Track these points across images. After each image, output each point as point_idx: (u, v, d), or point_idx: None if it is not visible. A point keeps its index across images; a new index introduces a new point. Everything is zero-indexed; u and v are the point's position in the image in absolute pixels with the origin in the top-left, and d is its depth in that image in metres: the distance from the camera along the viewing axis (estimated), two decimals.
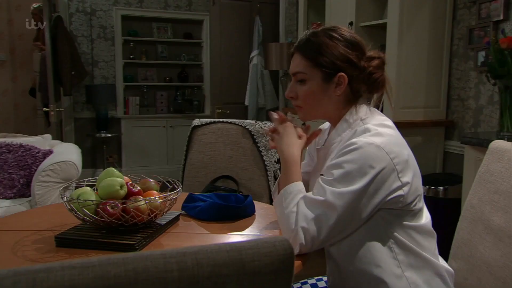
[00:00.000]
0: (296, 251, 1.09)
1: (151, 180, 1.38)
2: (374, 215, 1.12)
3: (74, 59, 4.82)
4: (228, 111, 4.61)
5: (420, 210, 1.18)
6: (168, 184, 1.42)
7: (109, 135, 5.15)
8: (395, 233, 1.14)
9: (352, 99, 1.22)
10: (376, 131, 1.12)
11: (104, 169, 5.20)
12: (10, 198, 2.96)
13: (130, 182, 1.28)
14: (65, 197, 1.17)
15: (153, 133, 5.51)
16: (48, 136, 3.48)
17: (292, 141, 1.25)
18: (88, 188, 1.24)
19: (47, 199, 2.78)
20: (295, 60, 1.23)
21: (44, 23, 4.38)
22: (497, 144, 1.44)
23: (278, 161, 2.10)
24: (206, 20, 5.42)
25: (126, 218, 1.15)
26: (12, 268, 0.49)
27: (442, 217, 2.58)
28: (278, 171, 2.09)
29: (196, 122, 2.18)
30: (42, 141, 3.36)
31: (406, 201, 1.11)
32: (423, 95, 2.96)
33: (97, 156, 5.40)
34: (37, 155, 3.13)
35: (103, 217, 1.13)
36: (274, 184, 2.07)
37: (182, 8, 5.60)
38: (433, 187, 2.67)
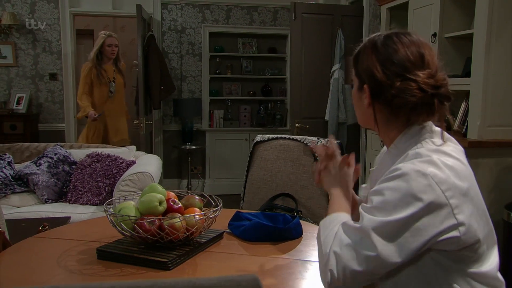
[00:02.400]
0: (326, 284, 1.00)
1: (197, 197, 1.39)
2: (424, 256, 0.98)
3: (164, 75, 5.12)
4: (307, 126, 4.56)
5: (484, 254, 1.01)
6: (213, 202, 1.42)
7: (194, 147, 5.36)
8: (449, 279, 0.99)
9: (395, 120, 1.08)
10: (428, 158, 0.98)
11: (189, 180, 5.45)
12: (96, 204, 3.20)
13: (172, 199, 1.30)
14: (108, 211, 1.23)
15: (235, 146, 5.63)
16: (133, 147, 3.71)
17: (338, 178, 1.19)
18: (132, 202, 1.28)
19: None
20: None
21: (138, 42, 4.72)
22: None
23: None
24: (290, 34, 5.44)
25: (161, 235, 1.17)
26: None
27: None
28: None
29: (258, 138, 2.18)
30: (127, 152, 3.60)
31: (464, 244, 0.96)
32: None
33: (183, 167, 5.64)
34: (121, 165, 3.36)
35: (139, 233, 1.16)
36: None
37: (267, 23, 5.69)
38: None
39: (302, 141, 2.06)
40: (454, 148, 1.05)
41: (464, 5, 2.91)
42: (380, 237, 0.94)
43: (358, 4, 4.86)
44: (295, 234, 1.42)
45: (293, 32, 4.49)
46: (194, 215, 1.23)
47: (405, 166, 0.97)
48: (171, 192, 1.38)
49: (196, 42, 5.57)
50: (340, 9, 4.76)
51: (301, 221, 1.60)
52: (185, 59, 5.57)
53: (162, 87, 5.09)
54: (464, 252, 0.97)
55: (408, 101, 1.02)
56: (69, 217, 2.70)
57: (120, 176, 3.19)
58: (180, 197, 1.43)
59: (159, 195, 1.25)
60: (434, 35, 3.02)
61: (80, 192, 3.25)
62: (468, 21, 2.94)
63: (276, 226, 1.40)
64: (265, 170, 2.11)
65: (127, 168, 3.32)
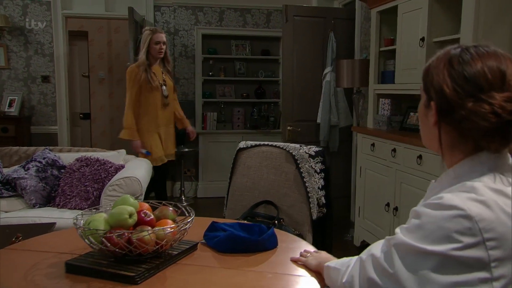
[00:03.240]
0: None
1: (171, 208, 1.39)
2: None
3: None
4: (299, 129, 4.56)
5: None
6: (186, 213, 1.42)
7: (187, 149, 5.35)
8: None
9: (462, 145, 0.93)
10: (479, 196, 0.85)
11: (182, 183, 5.44)
12: (85, 209, 3.20)
13: (144, 210, 1.30)
14: (77, 223, 1.22)
15: (229, 149, 5.61)
16: (123, 151, 3.71)
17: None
18: (104, 214, 1.28)
19: None
20: None
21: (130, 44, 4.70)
22: None
23: (322, 188, 2.01)
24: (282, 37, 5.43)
25: (130, 249, 1.16)
26: None
27: None
28: (323, 198, 2.00)
29: (241, 144, 2.17)
30: (117, 156, 3.59)
31: None
32: None
33: (176, 169, 5.63)
34: (110, 169, 3.35)
35: (107, 246, 1.16)
36: (316, 212, 1.98)
37: (260, 25, 5.69)
38: None
39: (284, 148, 2.06)
40: None
41: (452, 10, 2.91)
42: (400, 258, 0.87)
43: (350, 6, 4.85)
44: (270, 246, 1.42)
45: (285, 35, 4.49)
46: (164, 228, 1.22)
47: (447, 196, 0.86)
48: (144, 203, 1.37)
49: (189, 44, 5.56)
50: (332, 12, 4.76)
51: (279, 231, 1.60)
52: (178, 61, 5.56)
53: None
54: None
55: (479, 126, 0.87)
56: (54, 223, 2.69)
57: (109, 181, 3.18)
58: (155, 208, 1.42)
59: (130, 207, 1.24)
60: (423, 39, 3.01)
61: (69, 197, 3.24)
62: (456, 26, 2.93)
63: (250, 238, 1.40)
64: (248, 177, 2.11)
65: (116, 172, 3.31)
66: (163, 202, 1.44)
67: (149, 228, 1.22)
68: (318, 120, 4.58)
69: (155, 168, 3.76)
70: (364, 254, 0.97)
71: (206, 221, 1.58)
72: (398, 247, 0.88)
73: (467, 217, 0.82)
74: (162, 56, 3.79)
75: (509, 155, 0.93)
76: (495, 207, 0.83)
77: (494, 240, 0.81)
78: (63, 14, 5.14)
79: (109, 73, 7.19)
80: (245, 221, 1.93)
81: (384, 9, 3.58)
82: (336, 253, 1.36)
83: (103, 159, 3.43)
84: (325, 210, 1.99)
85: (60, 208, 3.19)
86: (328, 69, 4.52)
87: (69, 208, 3.19)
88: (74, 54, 7.15)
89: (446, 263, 0.82)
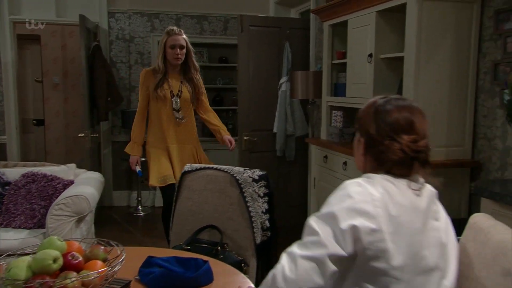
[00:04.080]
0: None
1: (102, 247, 1.35)
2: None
3: (111, 86, 5.00)
4: (256, 139, 4.57)
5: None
6: (119, 251, 1.38)
7: (143, 159, 5.25)
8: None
9: (379, 170, 1.23)
10: (371, 179, 1.19)
11: (138, 192, 5.34)
12: (30, 228, 3.09)
13: (71, 253, 1.26)
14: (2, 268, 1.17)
15: None
16: (73, 165, 3.60)
17: None
18: (27, 258, 1.23)
19: (59, 232, 2.86)
20: None
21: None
22: (476, 219, 1.28)
23: (266, 212, 2.01)
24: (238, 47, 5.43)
25: None
26: None
27: None
28: (266, 221, 2.00)
29: (187, 167, 2.15)
30: (66, 171, 3.49)
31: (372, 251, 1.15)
32: (445, 133, 2.74)
33: (133, 179, 5.54)
34: (58, 186, 3.25)
35: None
36: (260, 236, 1.99)
37: (217, 33, 5.66)
38: None
39: (228, 172, 2.05)
40: (379, 187, 1.16)
41: (398, 28, 2.97)
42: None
43: (307, 15, 4.89)
44: (205, 281, 1.41)
45: (240, 45, 4.48)
46: (89, 274, 1.19)
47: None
48: (74, 243, 1.33)
49: (145, 52, 5.47)
50: (287, 22, 4.79)
51: (217, 261, 1.59)
52: (134, 69, 5.46)
53: (109, 98, 4.98)
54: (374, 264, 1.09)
55: (391, 158, 1.19)
56: None
57: (57, 198, 3.09)
58: (88, 245, 1.38)
59: (55, 251, 1.20)
60: (370, 55, 3.07)
61: (13, 215, 3.13)
62: (402, 43, 3.01)
63: (185, 275, 1.38)
64: (193, 201, 2.09)
65: (64, 189, 3.22)
66: (95, 240, 1.40)
67: (74, 273, 1.18)
68: (275, 130, 4.60)
69: (161, 190, 3.32)
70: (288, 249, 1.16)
71: (143, 253, 1.56)
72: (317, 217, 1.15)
73: (359, 184, 1.17)
74: (179, 62, 3.22)
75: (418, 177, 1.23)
76: (379, 185, 1.16)
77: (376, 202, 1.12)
78: (11, 19, 4.95)
79: (64, 78, 6.98)
80: (188, 247, 1.92)
81: (336, 23, 3.63)
82: None
83: (51, 175, 3.32)
84: (269, 233, 2.00)
85: (4, 227, 3.07)
86: (283, 79, 4.54)
87: (13, 227, 3.08)
88: (26, 58, 6.91)
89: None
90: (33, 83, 6.95)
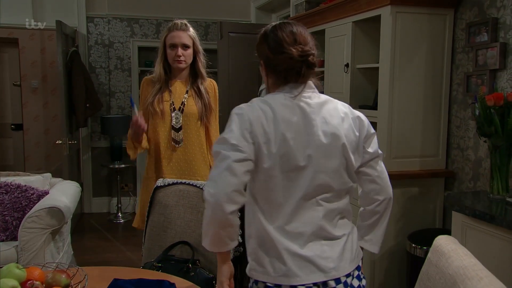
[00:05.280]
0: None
1: (64, 274, 1.33)
2: None
3: (89, 92, 4.94)
4: None
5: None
6: (81, 276, 1.36)
7: (123, 165, 5.21)
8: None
9: (279, 81, 1.42)
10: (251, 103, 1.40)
11: (118, 198, 5.29)
12: (3, 240, 3.03)
13: (31, 281, 1.23)
14: None
15: None
16: (48, 175, 3.54)
17: None
18: None
19: (32, 245, 2.81)
20: None
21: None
22: (440, 242, 1.29)
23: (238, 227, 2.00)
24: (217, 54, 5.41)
25: None
26: None
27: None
28: (239, 237, 1.99)
29: (159, 182, 2.13)
30: (41, 181, 3.42)
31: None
32: (419, 143, 2.77)
33: (113, 185, 5.48)
34: (32, 197, 3.19)
35: None
36: (232, 252, 1.97)
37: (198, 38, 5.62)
38: (416, 246, 2.47)
39: (201, 187, 2.04)
40: (268, 100, 1.37)
41: (374, 38, 2.99)
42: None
43: None
44: None
45: (220, 51, 4.47)
46: None
47: None
48: (36, 268, 1.31)
49: (125, 57, 5.42)
50: None
51: (186, 282, 1.58)
52: (114, 74, 5.41)
53: (88, 105, 4.91)
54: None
55: (283, 68, 1.37)
56: None
57: (30, 209, 3.03)
58: (54, 269, 1.36)
59: (12, 281, 1.18)
60: (347, 65, 3.09)
61: None
62: (377, 54, 3.03)
63: None
64: (165, 216, 2.07)
65: (39, 200, 3.16)
66: (58, 264, 1.38)
67: None
68: None
69: None
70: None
71: (110, 274, 1.54)
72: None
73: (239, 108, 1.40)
74: (181, 66, 2.44)
75: (311, 83, 1.43)
76: (256, 105, 1.36)
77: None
78: None
79: (43, 82, 6.87)
80: (159, 264, 1.90)
81: (314, 31, 3.63)
82: None
83: (25, 185, 3.26)
84: (241, 249, 1.99)
85: None
86: (263, 86, 4.53)
87: None
88: (3, 62, 6.80)
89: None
90: (11, 87, 6.83)
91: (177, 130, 2.44)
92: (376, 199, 1.46)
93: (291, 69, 1.36)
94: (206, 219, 1.30)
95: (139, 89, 2.62)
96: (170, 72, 2.51)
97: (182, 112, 2.45)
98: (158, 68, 2.49)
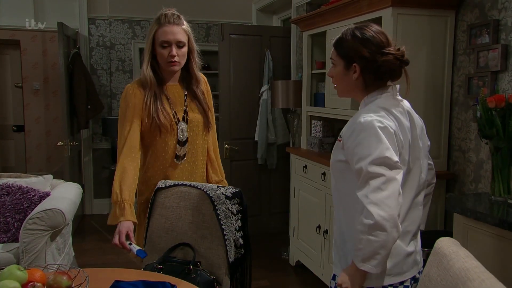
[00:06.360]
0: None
1: (65, 275, 1.33)
2: None
3: (91, 94, 4.94)
4: (237, 147, 4.56)
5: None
6: (83, 277, 1.36)
7: None
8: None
9: (378, 83, 1.50)
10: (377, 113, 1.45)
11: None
12: (4, 242, 3.03)
13: (32, 283, 1.23)
14: None
15: None
16: (50, 176, 3.54)
17: None
18: None
19: (34, 247, 2.81)
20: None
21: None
22: (441, 244, 1.29)
23: (239, 229, 2.00)
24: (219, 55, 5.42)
25: None
26: None
27: None
28: (240, 239, 1.99)
29: (160, 184, 2.13)
30: (43, 182, 3.42)
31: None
32: None
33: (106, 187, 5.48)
34: (33, 198, 3.20)
35: None
36: (233, 254, 1.97)
37: (199, 40, 5.63)
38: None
39: (202, 189, 2.03)
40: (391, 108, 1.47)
41: None
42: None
43: (288, 24, 4.90)
44: None
45: (221, 53, 4.47)
46: None
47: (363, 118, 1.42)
48: (37, 270, 1.31)
49: (126, 59, 5.43)
50: (268, 30, 4.79)
51: (187, 283, 1.58)
52: (115, 76, 5.42)
53: (89, 106, 4.92)
54: None
55: (388, 69, 1.46)
56: None
57: (32, 210, 3.04)
58: (56, 271, 1.36)
59: (13, 283, 1.18)
60: None
61: None
62: None
63: None
64: (166, 218, 2.07)
65: (40, 201, 3.16)
66: (59, 265, 1.38)
67: None
68: (256, 138, 4.60)
69: None
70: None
71: (111, 275, 1.54)
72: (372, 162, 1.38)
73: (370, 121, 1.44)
74: (176, 68, 2.07)
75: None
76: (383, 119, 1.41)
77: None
78: None
79: (45, 83, 6.89)
80: (160, 266, 1.90)
81: (315, 33, 3.64)
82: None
83: (26, 187, 3.27)
84: (242, 251, 1.99)
85: None
86: (264, 87, 4.55)
87: None
88: (5, 63, 6.82)
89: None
90: (13, 88, 6.85)
91: (182, 144, 2.09)
92: (432, 182, 1.75)
93: (393, 70, 1.46)
94: (376, 243, 1.29)
95: (120, 101, 2.13)
96: (159, 73, 2.09)
97: (186, 122, 2.10)
98: (146, 70, 2.04)
